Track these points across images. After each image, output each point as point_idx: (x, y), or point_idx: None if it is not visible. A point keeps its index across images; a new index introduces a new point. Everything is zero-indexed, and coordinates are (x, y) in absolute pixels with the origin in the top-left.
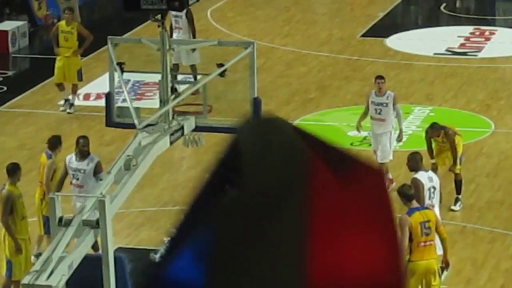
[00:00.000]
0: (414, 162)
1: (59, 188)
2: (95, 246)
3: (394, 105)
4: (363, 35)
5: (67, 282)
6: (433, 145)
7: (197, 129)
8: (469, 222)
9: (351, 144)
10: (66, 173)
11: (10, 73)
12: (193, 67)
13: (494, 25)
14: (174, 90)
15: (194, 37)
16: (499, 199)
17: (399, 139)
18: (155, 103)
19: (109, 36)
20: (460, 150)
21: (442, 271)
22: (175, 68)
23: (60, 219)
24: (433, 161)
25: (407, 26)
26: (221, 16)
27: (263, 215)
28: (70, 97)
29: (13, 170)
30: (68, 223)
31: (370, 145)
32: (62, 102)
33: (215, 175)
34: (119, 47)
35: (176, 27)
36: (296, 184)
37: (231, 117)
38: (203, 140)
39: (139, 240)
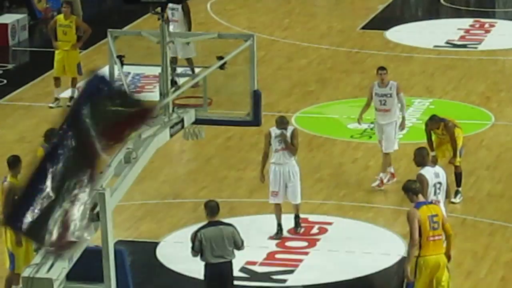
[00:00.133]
0: (420, 157)
1: None
2: None
3: (397, 94)
4: (363, 28)
5: (67, 275)
6: (433, 138)
7: (197, 121)
8: (469, 214)
9: (351, 136)
10: None
11: (10, 66)
12: (189, 60)
13: (494, 18)
14: (174, 83)
15: (189, 30)
16: (499, 192)
17: (402, 127)
18: (155, 95)
19: (109, 29)
20: (460, 143)
21: None
22: (174, 61)
23: None
24: (433, 153)
25: (407, 19)
26: (221, 9)
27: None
28: (58, 96)
29: (14, 163)
30: None
31: (371, 137)
32: (60, 95)
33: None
34: (119, 40)
35: (172, 20)
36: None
37: (231, 109)
38: (203, 132)
39: (139, 233)
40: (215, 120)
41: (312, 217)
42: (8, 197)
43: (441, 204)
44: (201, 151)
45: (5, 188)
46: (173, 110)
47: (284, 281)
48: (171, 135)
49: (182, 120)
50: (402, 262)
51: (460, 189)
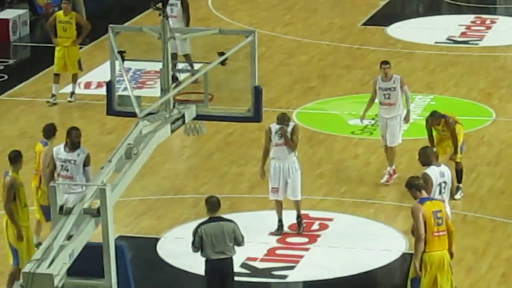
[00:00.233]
0: (425, 156)
1: (50, 180)
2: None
3: (401, 87)
4: (364, 24)
5: (68, 271)
6: (434, 134)
7: (198, 117)
8: (470, 211)
9: (352, 132)
10: (54, 165)
11: (11, 61)
12: (186, 56)
13: (495, 14)
14: (175, 78)
15: (188, 25)
16: (500, 188)
17: (406, 120)
18: (156, 91)
19: (110, 25)
20: (461, 139)
21: None
22: (174, 57)
23: (61, 207)
24: (434, 149)
25: (408, 15)
26: (222, 5)
27: None
28: (55, 92)
29: (16, 158)
30: (69, 211)
31: (372, 133)
32: (57, 92)
33: None
34: (120, 36)
35: (171, 16)
36: None
37: (232, 105)
38: (204, 128)
39: (140, 229)
40: (216, 116)
41: (312, 213)
42: (10, 191)
43: (446, 204)
44: (202, 147)
45: (6, 182)
46: (174, 106)
47: (285, 277)
48: (172, 131)
49: (183, 116)
50: (403, 258)
51: (461, 185)
